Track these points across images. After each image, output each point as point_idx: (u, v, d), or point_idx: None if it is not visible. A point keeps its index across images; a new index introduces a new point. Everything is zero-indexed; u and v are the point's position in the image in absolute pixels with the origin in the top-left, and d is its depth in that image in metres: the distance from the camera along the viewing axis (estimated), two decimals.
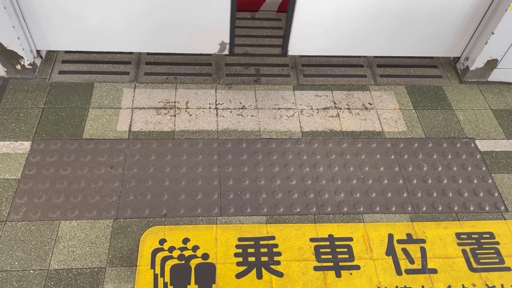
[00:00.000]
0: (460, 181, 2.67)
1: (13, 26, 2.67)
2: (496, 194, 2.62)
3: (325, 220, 2.43)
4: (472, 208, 2.54)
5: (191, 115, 2.88)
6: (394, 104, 3.08)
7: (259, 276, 2.19)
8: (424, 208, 2.52)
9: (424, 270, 2.27)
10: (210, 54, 3.27)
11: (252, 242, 2.30)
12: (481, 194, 2.61)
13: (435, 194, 2.59)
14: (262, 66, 3.25)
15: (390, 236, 2.39)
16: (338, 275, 2.22)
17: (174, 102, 2.95)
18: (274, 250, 2.28)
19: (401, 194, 2.58)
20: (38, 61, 3.02)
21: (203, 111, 2.91)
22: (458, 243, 2.38)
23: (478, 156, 2.81)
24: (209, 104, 2.96)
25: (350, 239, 2.36)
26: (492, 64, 3.14)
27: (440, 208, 2.53)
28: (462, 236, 2.41)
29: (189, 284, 2.13)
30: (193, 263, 2.20)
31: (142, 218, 2.36)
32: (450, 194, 2.60)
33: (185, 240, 2.28)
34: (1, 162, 2.52)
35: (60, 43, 3.01)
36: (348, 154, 2.74)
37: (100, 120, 2.78)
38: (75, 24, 2.87)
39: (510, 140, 2.92)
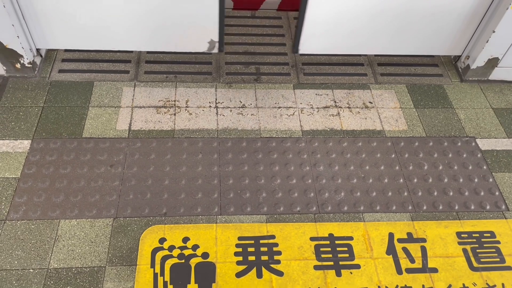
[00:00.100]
0: (461, 180, 2.66)
1: (12, 25, 2.66)
2: (497, 193, 2.61)
3: (325, 219, 2.42)
4: (472, 207, 2.54)
5: (191, 114, 2.87)
6: (395, 103, 3.07)
7: (259, 275, 2.18)
8: (424, 207, 2.51)
9: (424, 269, 2.26)
10: (209, 53, 3.26)
11: (252, 241, 2.30)
12: (482, 193, 2.61)
13: (435, 193, 2.58)
14: (262, 65, 3.24)
15: (391, 235, 2.38)
16: (338, 274, 2.21)
17: (174, 100, 2.94)
18: (274, 249, 2.28)
19: (401, 193, 2.57)
20: (37, 60, 3.01)
21: (203, 110, 2.90)
22: (458, 242, 2.38)
23: (479, 155, 2.80)
24: (209, 102, 2.95)
25: (351, 238, 2.35)
26: (493, 62, 3.13)
27: (440, 207, 2.52)
28: (462, 235, 2.41)
29: (189, 283, 2.13)
30: (193, 262, 2.20)
31: (142, 217, 2.35)
32: (451, 193, 2.59)
33: (185, 239, 2.27)
34: (0, 161, 2.52)
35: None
36: (349, 153, 2.73)
37: (100, 119, 2.78)
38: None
39: (511, 139, 2.91)
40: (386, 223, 2.43)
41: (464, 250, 2.35)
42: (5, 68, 2.90)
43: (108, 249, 2.22)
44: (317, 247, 2.30)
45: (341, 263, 2.25)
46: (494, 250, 2.37)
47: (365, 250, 2.31)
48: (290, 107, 2.98)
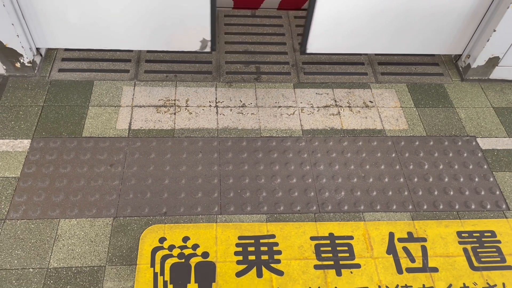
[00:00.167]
0: (461, 180, 2.66)
1: (12, 24, 2.66)
2: (497, 193, 2.61)
3: (325, 218, 2.42)
4: (473, 207, 2.53)
5: (191, 113, 2.87)
6: (395, 102, 3.06)
7: (259, 274, 2.18)
8: (425, 207, 2.51)
9: (425, 268, 2.26)
10: (201, 52, 3.25)
11: (252, 241, 2.29)
12: (483, 193, 2.60)
13: (436, 193, 2.58)
14: (262, 64, 3.23)
15: (391, 235, 2.38)
16: (339, 273, 2.21)
17: (174, 100, 2.94)
18: (274, 248, 2.28)
19: (402, 192, 2.57)
20: (37, 59, 3.01)
21: (203, 109, 2.90)
22: (459, 242, 2.37)
23: (479, 154, 2.79)
24: (209, 102, 2.95)
25: (351, 237, 2.35)
26: (493, 61, 3.12)
27: (441, 207, 2.52)
28: (463, 235, 2.40)
29: (189, 282, 2.12)
30: (193, 261, 2.20)
31: (142, 216, 2.35)
32: (451, 193, 2.59)
33: (185, 239, 2.27)
34: (0, 160, 2.51)
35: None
36: (349, 152, 2.73)
37: (100, 118, 2.77)
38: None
39: None
40: (387, 223, 2.43)
41: (465, 250, 2.34)
42: (5, 67, 2.90)
43: (108, 248, 2.21)
44: (317, 247, 2.30)
45: (341, 262, 2.25)
46: (494, 249, 2.36)
47: (366, 250, 2.31)
48: (290, 106, 2.97)
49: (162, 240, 2.26)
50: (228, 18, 3.57)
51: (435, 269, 2.26)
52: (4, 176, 2.44)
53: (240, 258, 2.23)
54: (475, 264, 2.29)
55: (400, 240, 2.36)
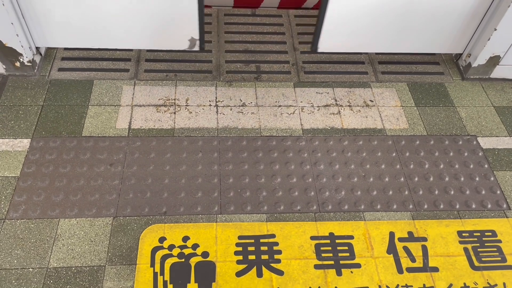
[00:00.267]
0: (462, 179, 2.65)
1: (11, 23, 2.65)
2: (498, 192, 2.60)
3: (325, 218, 2.42)
4: (474, 206, 2.53)
5: (191, 112, 2.86)
6: (396, 101, 3.06)
7: (259, 274, 2.17)
8: (425, 206, 2.50)
9: (425, 268, 2.25)
10: (190, 51, 3.24)
11: (252, 240, 2.29)
12: (483, 192, 2.60)
13: (436, 192, 2.57)
14: (262, 63, 3.23)
15: (391, 234, 2.37)
16: (339, 273, 2.21)
17: (174, 99, 2.93)
18: (275, 248, 2.27)
19: (402, 192, 2.56)
20: (37, 58, 3.00)
21: (203, 109, 2.89)
22: (459, 241, 2.37)
23: (480, 154, 2.79)
24: (209, 101, 2.94)
25: (351, 237, 2.34)
26: (494, 60, 3.11)
27: (441, 206, 2.51)
28: (463, 234, 2.40)
29: (189, 282, 2.12)
30: (193, 261, 2.19)
31: (142, 216, 2.35)
32: (452, 192, 2.58)
33: (185, 238, 2.27)
34: (0, 159, 2.51)
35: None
36: (349, 152, 2.72)
37: (100, 118, 2.77)
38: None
39: None
40: (387, 222, 2.42)
41: (465, 249, 2.34)
42: (4, 66, 2.90)
43: (108, 248, 2.21)
44: (317, 246, 2.29)
45: (341, 262, 2.24)
46: (495, 249, 2.36)
47: (366, 249, 2.30)
48: (290, 105, 2.96)
49: (162, 239, 2.26)
50: (228, 17, 3.56)
51: (435, 269, 2.25)
52: (3, 175, 2.44)
53: (240, 257, 2.22)
54: (476, 263, 2.29)
55: (401, 239, 2.35)
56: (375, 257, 2.28)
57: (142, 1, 2.77)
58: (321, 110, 2.96)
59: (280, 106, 2.95)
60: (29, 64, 2.89)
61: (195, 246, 2.24)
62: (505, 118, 3.01)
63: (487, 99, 3.13)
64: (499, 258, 2.32)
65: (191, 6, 2.80)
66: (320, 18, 2.93)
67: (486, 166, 2.72)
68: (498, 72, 3.21)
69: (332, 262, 2.24)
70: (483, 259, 2.31)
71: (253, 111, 2.90)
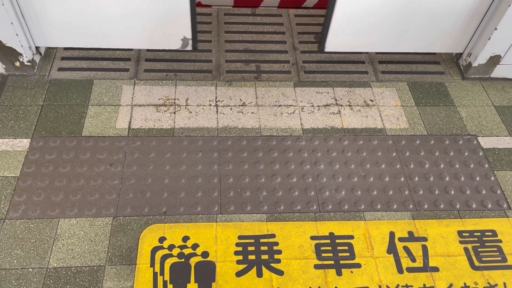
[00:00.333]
0: (462, 179, 2.65)
1: (11, 23, 2.65)
2: (498, 192, 2.60)
3: (325, 218, 2.41)
4: (474, 206, 2.52)
5: (191, 112, 2.86)
6: (396, 101, 3.05)
7: (259, 274, 2.17)
8: (425, 206, 2.50)
9: (425, 268, 2.25)
10: (182, 51, 3.24)
11: (252, 240, 2.29)
12: (484, 192, 2.59)
13: (437, 192, 2.57)
14: (262, 63, 3.22)
15: (392, 234, 2.37)
16: (339, 273, 2.20)
17: (174, 99, 2.93)
18: (275, 248, 2.27)
19: (402, 191, 2.56)
20: (37, 58, 3.00)
21: (203, 108, 2.89)
22: (460, 241, 2.37)
23: (480, 153, 2.78)
24: (209, 101, 2.94)
25: (351, 237, 2.34)
26: (495, 60, 3.11)
27: (442, 206, 2.51)
28: (464, 234, 2.39)
29: (189, 282, 2.12)
30: (193, 261, 2.19)
31: (142, 216, 2.34)
32: (452, 192, 2.58)
33: (185, 238, 2.27)
34: (0, 159, 2.51)
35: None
36: (349, 152, 2.72)
37: (100, 117, 2.77)
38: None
39: None
40: (387, 222, 2.42)
41: (466, 249, 2.33)
42: (4, 66, 2.89)
43: (108, 248, 2.21)
44: (317, 246, 2.29)
45: (341, 262, 2.24)
46: (495, 249, 2.35)
47: (366, 249, 2.30)
48: (290, 105, 2.96)
49: (162, 239, 2.25)
50: (228, 17, 3.56)
51: (435, 269, 2.25)
52: (3, 175, 2.44)
53: (240, 257, 2.22)
54: (476, 263, 2.28)
55: (401, 239, 2.35)
56: (375, 257, 2.28)
57: (135, 1, 2.76)
58: (321, 109, 2.95)
59: (280, 105, 2.95)
60: (28, 64, 2.89)
61: (195, 246, 2.24)
62: (505, 118, 3.00)
63: (488, 99, 3.12)
64: (500, 258, 2.32)
65: (183, 5, 2.79)
66: (327, 18, 2.93)
67: (486, 165, 2.72)
68: (498, 72, 3.21)
69: (332, 262, 2.24)
70: (483, 259, 2.30)
71: (253, 111, 2.90)
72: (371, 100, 3.04)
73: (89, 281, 2.09)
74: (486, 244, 2.37)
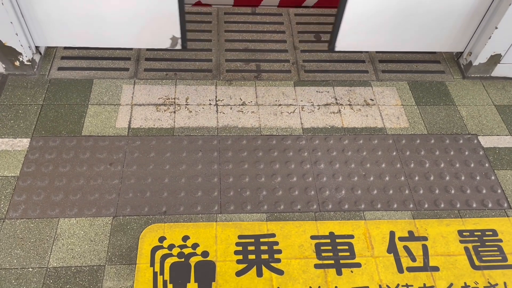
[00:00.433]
0: (463, 178, 2.64)
1: (11, 22, 2.64)
2: (499, 191, 2.59)
3: (326, 217, 2.41)
4: (474, 205, 2.52)
5: (191, 111, 2.86)
6: (396, 100, 3.05)
7: (259, 274, 2.17)
8: (426, 205, 2.50)
9: (426, 267, 2.25)
10: (172, 50, 3.23)
11: (252, 240, 2.29)
12: (484, 191, 2.59)
13: (437, 191, 2.57)
14: (262, 62, 3.22)
15: (392, 234, 2.37)
16: (339, 272, 2.20)
17: (174, 98, 2.92)
18: (275, 247, 2.27)
19: (402, 191, 2.55)
20: (37, 57, 3.00)
21: (203, 108, 2.89)
22: (460, 241, 2.36)
23: (481, 153, 2.78)
24: (209, 100, 2.94)
25: (351, 236, 2.34)
26: (495, 59, 3.10)
27: (442, 205, 2.51)
28: (464, 234, 2.39)
29: (189, 282, 2.12)
30: (193, 260, 2.19)
31: (142, 215, 2.34)
32: (453, 191, 2.57)
33: (185, 238, 2.26)
34: (0, 159, 2.51)
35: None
36: (349, 151, 2.72)
37: (100, 117, 2.76)
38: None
39: None
40: (387, 222, 2.42)
41: (466, 249, 2.33)
42: (4, 66, 2.89)
43: (108, 247, 2.21)
44: (317, 246, 2.29)
45: (341, 261, 2.24)
46: (496, 248, 2.35)
47: (366, 249, 2.30)
48: (290, 104, 2.96)
49: (161, 239, 2.25)
50: (228, 16, 3.55)
51: (436, 268, 2.25)
52: (3, 175, 2.44)
53: (240, 257, 2.22)
54: (476, 263, 2.28)
55: (401, 239, 2.35)
56: (375, 257, 2.27)
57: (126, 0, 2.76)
58: (321, 109, 2.95)
59: (280, 105, 2.95)
60: (28, 63, 2.89)
61: (195, 246, 2.24)
62: (506, 117, 3.00)
63: (488, 98, 3.12)
64: (500, 258, 2.31)
65: (171, 4, 2.78)
66: (338, 17, 2.93)
67: (486, 165, 2.72)
68: (499, 71, 3.20)
69: (332, 262, 2.23)
70: (483, 258, 2.30)
71: (253, 110, 2.90)
72: (371, 99, 3.03)
73: (89, 280, 2.09)
74: (487, 243, 2.37)
